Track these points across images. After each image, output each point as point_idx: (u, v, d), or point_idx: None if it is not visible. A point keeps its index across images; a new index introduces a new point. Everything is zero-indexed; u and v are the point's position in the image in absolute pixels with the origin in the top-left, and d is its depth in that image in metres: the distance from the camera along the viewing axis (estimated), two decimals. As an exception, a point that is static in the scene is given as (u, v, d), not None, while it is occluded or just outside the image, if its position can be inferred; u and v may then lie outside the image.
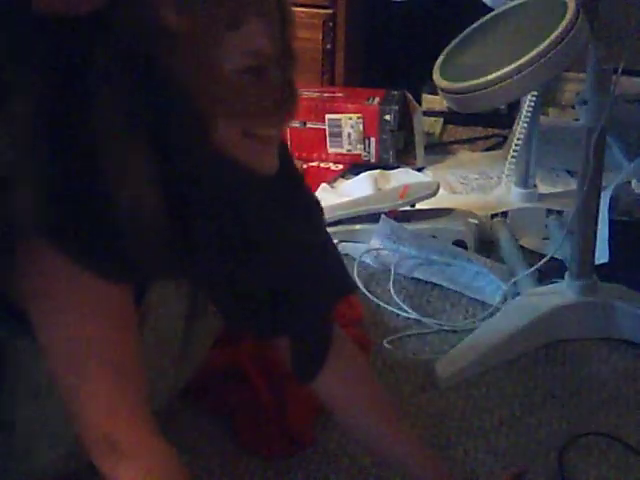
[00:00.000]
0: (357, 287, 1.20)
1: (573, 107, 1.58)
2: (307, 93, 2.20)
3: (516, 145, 1.89)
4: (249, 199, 1.02)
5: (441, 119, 2.36)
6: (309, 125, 2.16)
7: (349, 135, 2.15)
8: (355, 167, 2.16)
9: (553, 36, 1.31)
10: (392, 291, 1.73)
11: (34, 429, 1.09)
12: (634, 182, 1.88)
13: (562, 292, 1.59)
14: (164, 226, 0.93)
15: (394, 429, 1.21)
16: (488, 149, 2.29)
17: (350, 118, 2.14)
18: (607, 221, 1.71)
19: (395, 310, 1.68)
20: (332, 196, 2.05)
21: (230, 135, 0.97)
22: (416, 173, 2.14)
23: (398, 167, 2.16)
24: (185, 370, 1.23)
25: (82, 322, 0.96)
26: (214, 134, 0.96)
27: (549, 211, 1.89)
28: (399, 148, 2.17)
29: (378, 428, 1.20)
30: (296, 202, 1.11)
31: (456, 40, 1.48)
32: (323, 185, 2.08)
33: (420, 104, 2.27)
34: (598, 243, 1.58)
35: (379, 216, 1.85)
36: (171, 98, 0.93)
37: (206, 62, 0.93)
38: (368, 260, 1.82)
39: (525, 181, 1.92)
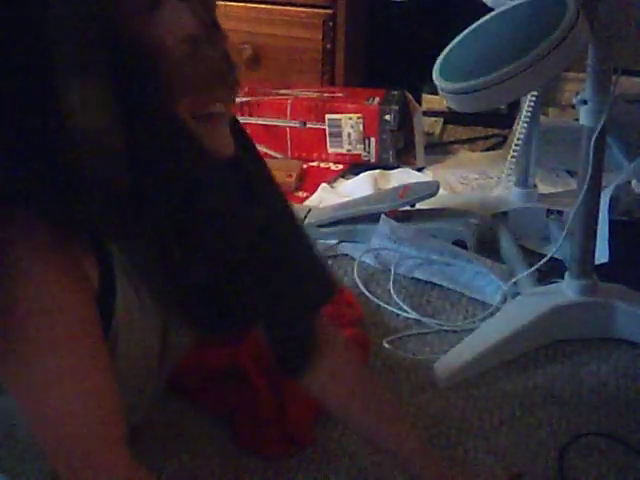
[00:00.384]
0: (338, 282, 1.16)
1: (573, 107, 1.57)
2: (307, 93, 2.20)
3: (516, 145, 1.89)
4: (213, 178, 0.99)
5: (441, 119, 2.36)
6: (309, 125, 2.16)
7: (349, 135, 2.15)
8: (355, 167, 2.16)
9: (553, 36, 1.31)
10: (392, 291, 1.73)
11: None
12: (634, 182, 1.88)
13: (562, 292, 1.59)
14: (121, 167, 0.89)
15: (393, 426, 1.21)
16: (488, 149, 2.29)
17: (350, 118, 2.14)
18: (607, 221, 1.71)
19: (395, 310, 1.68)
20: (332, 196, 2.05)
21: (183, 117, 0.96)
22: (416, 173, 2.14)
23: (398, 167, 2.16)
24: (161, 383, 1.21)
25: (47, 351, 0.92)
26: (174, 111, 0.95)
27: (549, 211, 1.89)
28: (399, 148, 2.17)
29: (377, 425, 1.20)
30: (258, 186, 1.08)
31: (456, 40, 1.48)
32: (323, 185, 2.09)
33: (420, 104, 2.28)
34: (598, 243, 1.58)
35: (379, 216, 1.85)
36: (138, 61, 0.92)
37: (147, 41, 0.92)
38: (368, 260, 1.82)
39: (525, 181, 1.92)
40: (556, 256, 1.67)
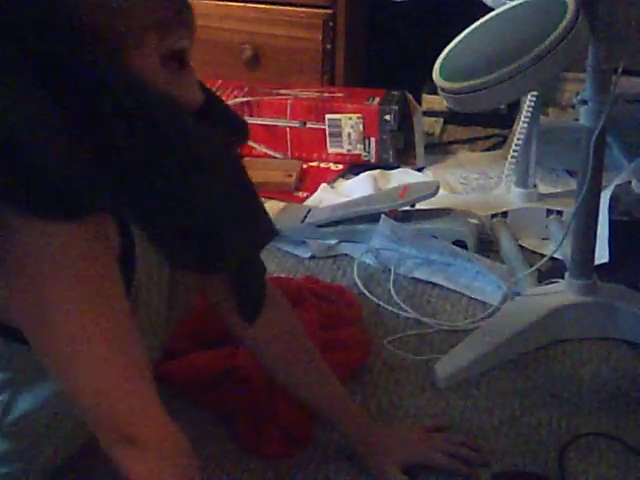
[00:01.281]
0: (279, 233, 1.22)
1: (573, 107, 1.58)
2: (307, 93, 2.20)
3: (516, 145, 1.89)
4: (177, 125, 0.99)
5: (441, 119, 2.36)
6: (309, 125, 2.16)
7: (349, 135, 2.15)
8: (355, 167, 2.16)
9: (553, 36, 1.31)
10: (392, 291, 1.73)
11: (41, 433, 1.10)
12: (634, 182, 1.88)
13: (562, 292, 1.59)
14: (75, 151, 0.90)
15: (327, 387, 1.29)
16: (488, 149, 2.29)
17: (350, 118, 2.14)
18: (607, 221, 1.71)
19: (395, 310, 1.68)
20: (332, 196, 2.05)
21: (150, 68, 0.98)
22: (416, 173, 2.14)
23: (398, 167, 2.16)
24: (168, 336, 1.23)
25: (78, 314, 0.94)
26: (133, 69, 0.97)
27: (549, 211, 1.89)
28: (399, 148, 2.17)
29: (311, 384, 1.28)
30: (224, 125, 1.10)
31: (456, 40, 1.47)
32: (323, 185, 2.09)
33: (420, 104, 2.27)
34: (598, 243, 1.58)
35: (379, 216, 1.85)
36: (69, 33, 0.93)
37: None
38: (368, 260, 1.82)
39: (525, 181, 1.92)
40: (556, 256, 1.67)
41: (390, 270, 1.78)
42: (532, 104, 1.83)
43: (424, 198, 1.88)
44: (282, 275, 1.75)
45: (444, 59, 1.45)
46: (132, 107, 0.94)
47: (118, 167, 0.94)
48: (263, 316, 1.24)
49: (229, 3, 2.31)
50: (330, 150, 2.18)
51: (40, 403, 1.07)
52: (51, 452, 1.13)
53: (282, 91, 2.21)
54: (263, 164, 2.11)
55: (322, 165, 2.18)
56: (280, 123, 2.17)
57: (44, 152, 0.89)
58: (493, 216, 1.90)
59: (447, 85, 1.39)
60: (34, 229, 0.91)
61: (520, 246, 1.83)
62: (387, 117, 2.12)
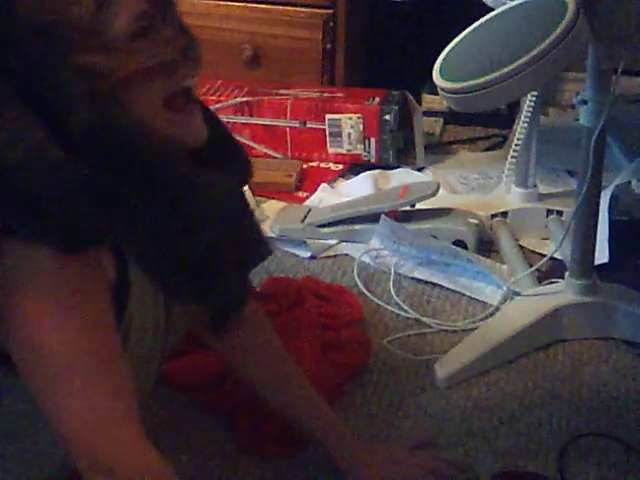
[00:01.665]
0: (273, 252, 1.23)
1: (573, 107, 1.58)
2: (307, 93, 2.20)
3: (516, 145, 1.89)
4: (182, 161, 1.01)
5: (441, 119, 2.36)
6: (309, 125, 2.16)
7: (349, 135, 2.15)
8: (355, 167, 2.16)
9: (553, 36, 1.31)
10: (392, 291, 1.73)
11: (46, 437, 1.10)
12: (634, 182, 1.88)
13: (562, 292, 1.59)
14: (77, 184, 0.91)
15: (308, 401, 1.29)
16: (488, 149, 2.29)
17: (350, 118, 2.14)
18: (607, 221, 1.71)
19: (395, 310, 1.68)
20: (332, 196, 2.05)
21: (152, 109, 0.98)
22: (416, 173, 2.14)
23: (398, 167, 2.16)
24: (164, 361, 1.22)
25: (65, 342, 0.94)
26: (133, 110, 0.96)
27: (549, 211, 1.89)
28: (399, 148, 2.17)
29: (293, 403, 1.28)
30: (227, 165, 1.10)
31: (456, 40, 1.47)
32: (323, 185, 2.09)
33: (420, 104, 2.27)
34: (598, 243, 1.58)
35: (379, 216, 1.85)
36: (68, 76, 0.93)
37: (92, 33, 0.94)
38: (368, 260, 1.82)
39: (525, 181, 1.92)
40: (556, 256, 1.67)
41: (390, 270, 1.78)
42: (532, 104, 1.83)
43: (424, 198, 1.88)
44: (282, 275, 1.75)
45: (444, 59, 1.45)
46: (127, 151, 0.95)
47: (115, 204, 0.95)
48: (241, 328, 1.24)
49: (229, 3, 2.31)
50: (330, 150, 2.17)
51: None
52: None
53: (282, 91, 2.21)
54: (263, 164, 2.11)
55: (322, 165, 2.18)
56: (280, 123, 2.17)
57: (48, 184, 0.89)
58: (493, 216, 1.90)
59: (447, 85, 1.39)
60: (30, 254, 0.92)
61: (520, 246, 1.83)
62: (387, 117, 2.12)
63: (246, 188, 1.93)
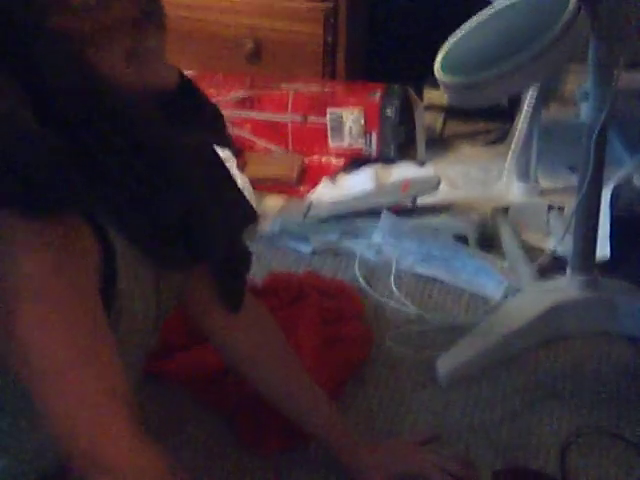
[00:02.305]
0: (259, 216, 1.23)
1: (575, 102, 1.58)
2: (308, 87, 2.19)
3: (517, 140, 1.89)
4: (149, 120, 1.01)
5: (442, 114, 2.35)
6: (310, 120, 2.16)
7: (350, 129, 2.15)
8: (356, 161, 2.16)
9: (554, 31, 1.31)
10: (393, 286, 1.72)
11: (44, 432, 1.10)
12: (635, 177, 1.88)
13: (563, 288, 1.59)
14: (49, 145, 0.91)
15: (310, 397, 1.28)
16: (489, 144, 2.28)
17: (351, 112, 2.13)
18: (608, 217, 1.71)
19: (396, 305, 1.68)
20: (333, 191, 2.04)
21: (114, 63, 0.99)
22: (417, 168, 2.13)
23: (399, 161, 2.15)
24: (156, 339, 1.21)
25: (53, 330, 0.94)
26: (98, 69, 0.97)
27: (550, 206, 1.89)
28: (400, 143, 2.16)
29: (294, 397, 1.28)
30: (201, 122, 1.11)
31: (457, 34, 1.47)
32: (324, 180, 2.08)
33: (421, 99, 2.27)
34: (599, 239, 1.58)
35: (380, 211, 1.84)
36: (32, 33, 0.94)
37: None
38: (369, 255, 1.82)
39: (526, 176, 1.91)
40: (557, 251, 1.67)
41: (391, 265, 1.77)
42: (533, 99, 1.82)
43: (425, 193, 1.88)
44: (283, 270, 1.75)
45: (445, 53, 1.44)
46: (96, 109, 0.95)
47: (90, 167, 0.94)
48: (242, 321, 1.23)
49: (230, -3, 2.30)
50: (331, 144, 2.17)
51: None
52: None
53: (283, 85, 2.20)
54: (264, 159, 2.11)
55: (323, 160, 2.18)
56: (281, 117, 2.17)
57: (17, 146, 0.89)
58: (494, 211, 1.90)
59: (448, 80, 1.39)
60: (11, 229, 0.92)
61: (521, 241, 1.83)
62: (388, 111, 2.11)
63: (246, 182, 1.95)
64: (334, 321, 1.57)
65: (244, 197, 1.19)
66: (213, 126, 1.13)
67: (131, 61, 1.00)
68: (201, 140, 1.08)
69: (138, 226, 1.00)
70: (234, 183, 1.17)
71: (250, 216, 1.19)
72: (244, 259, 1.23)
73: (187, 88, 1.10)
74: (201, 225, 1.06)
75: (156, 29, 1.03)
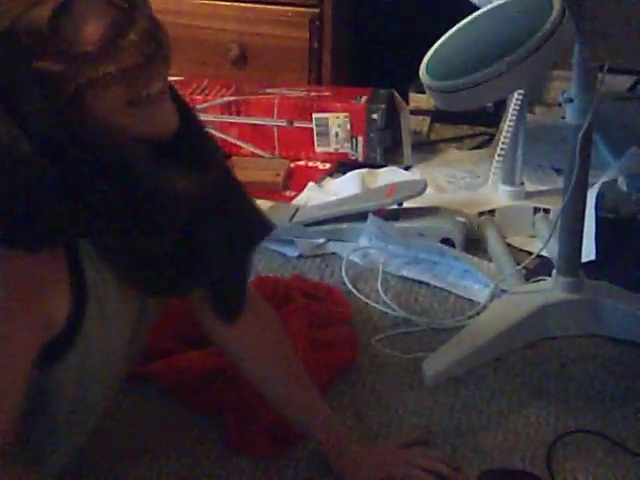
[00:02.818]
0: (274, 229, 1.24)
1: (559, 105, 1.58)
2: (294, 92, 2.20)
3: (503, 143, 1.90)
4: (144, 160, 1.00)
5: (428, 118, 2.36)
6: (296, 124, 2.16)
7: (336, 134, 2.15)
8: (342, 166, 2.17)
9: (539, 34, 1.31)
10: (380, 289, 1.73)
11: (44, 440, 1.10)
12: (620, 179, 1.88)
13: (549, 290, 1.59)
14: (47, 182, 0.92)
15: (304, 394, 1.30)
16: (475, 147, 2.29)
17: (337, 117, 2.14)
18: (594, 219, 1.72)
19: (383, 308, 1.68)
20: (320, 195, 2.05)
21: (114, 109, 0.96)
22: (403, 172, 2.14)
23: (385, 166, 2.16)
24: (142, 339, 1.22)
25: None
26: (94, 111, 0.95)
27: (536, 209, 1.89)
28: (386, 147, 2.17)
29: (289, 391, 1.29)
30: (200, 151, 1.09)
31: (443, 38, 1.48)
32: (310, 184, 2.08)
33: (407, 103, 2.27)
34: (585, 241, 1.58)
35: (367, 215, 1.85)
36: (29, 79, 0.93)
37: (51, 40, 0.93)
38: (356, 259, 1.82)
39: (512, 179, 1.92)
40: (543, 254, 1.68)
41: (378, 269, 1.78)
42: (519, 102, 1.83)
43: (411, 197, 1.88)
44: (270, 274, 1.75)
45: (431, 57, 1.45)
46: (90, 149, 0.95)
47: (78, 200, 0.95)
48: (243, 320, 1.24)
49: (215, 2, 2.31)
50: (317, 149, 2.18)
51: None
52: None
53: (269, 90, 2.21)
54: (250, 163, 2.11)
55: (310, 164, 2.18)
56: (267, 122, 2.17)
57: (14, 177, 0.90)
58: (480, 214, 1.91)
59: (434, 83, 1.39)
60: None
61: (507, 244, 1.84)
62: (374, 116, 2.12)
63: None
64: (321, 325, 1.58)
65: (258, 213, 1.19)
66: (211, 164, 1.11)
67: (132, 107, 0.98)
68: (197, 181, 1.06)
69: (123, 259, 1.02)
70: (247, 203, 1.18)
71: (263, 231, 1.20)
72: (245, 275, 1.23)
73: (185, 126, 1.06)
74: (197, 257, 1.06)
75: (160, 71, 1.00)
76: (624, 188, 1.88)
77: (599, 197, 1.78)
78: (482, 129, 2.34)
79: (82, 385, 1.08)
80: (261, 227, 1.21)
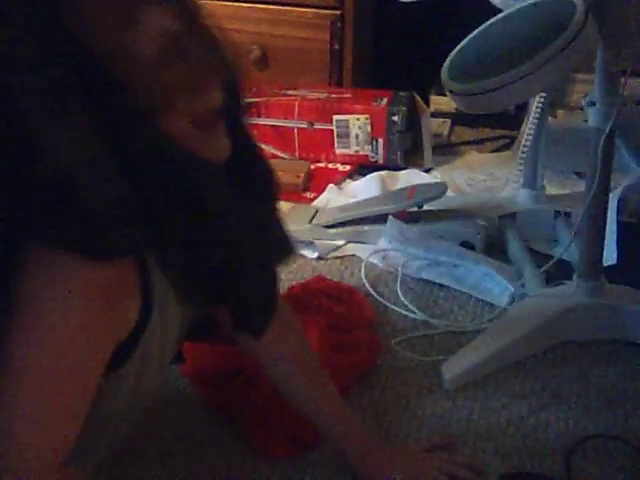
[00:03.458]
0: (297, 251, 1.23)
1: (581, 109, 1.58)
2: (315, 94, 2.20)
3: (524, 146, 1.89)
4: (206, 182, 1.00)
5: (449, 120, 2.36)
6: (316, 126, 2.16)
7: (357, 136, 2.15)
8: (363, 168, 2.16)
9: (562, 37, 1.31)
10: (399, 292, 1.72)
11: (92, 431, 1.11)
12: (642, 183, 1.88)
13: (570, 294, 1.59)
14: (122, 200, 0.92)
15: (329, 403, 1.30)
16: (496, 150, 2.28)
17: (358, 119, 2.14)
18: (615, 223, 1.71)
19: (402, 311, 1.68)
20: (339, 197, 2.05)
21: (179, 128, 0.96)
22: (424, 174, 2.14)
23: (406, 168, 2.16)
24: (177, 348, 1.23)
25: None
26: (161, 124, 0.95)
27: (557, 212, 1.89)
28: (407, 149, 2.17)
29: (314, 399, 1.29)
30: (250, 173, 1.10)
31: (464, 41, 1.47)
32: (330, 186, 2.09)
33: (428, 105, 2.27)
34: (606, 245, 1.57)
35: (387, 217, 1.85)
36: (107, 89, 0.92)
37: (123, 51, 0.92)
38: (375, 261, 1.82)
39: (533, 183, 1.91)
40: (564, 258, 1.67)
41: (397, 271, 1.78)
42: (540, 105, 1.82)
43: (432, 199, 1.88)
44: (289, 275, 1.75)
45: (452, 60, 1.45)
46: (165, 169, 0.95)
47: (150, 218, 0.95)
48: (271, 332, 1.23)
49: (236, 4, 2.31)
50: (338, 151, 2.18)
51: None
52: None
53: (290, 92, 2.21)
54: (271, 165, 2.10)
55: (330, 166, 2.18)
56: (288, 124, 2.18)
57: (96, 194, 0.90)
58: (501, 217, 1.90)
59: (455, 86, 1.39)
60: (56, 263, 0.93)
61: (528, 248, 1.83)
62: (395, 118, 2.12)
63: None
64: (342, 327, 1.57)
65: (284, 233, 1.19)
66: (265, 188, 1.14)
67: (195, 128, 0.97)
68: (256, 205, 1.07)
69: (182, 272, 1.01)
70: (277, 220, 1.18)
71: (287, 252, 1.20)
72: (275, 292, 1.21)
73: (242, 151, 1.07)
74: (238, 272, 1.06)
75: (219, 85, 0.99)
76: (646, 192, 1.87)
77: (621, 201, 1.77)
78: (503, 132, 2.34)
79: (140, 381, 1.09)
80: (288, 247, 1.20)
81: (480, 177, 2.12)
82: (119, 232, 0.92)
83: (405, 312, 1.67)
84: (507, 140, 2.30)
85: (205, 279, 1.03)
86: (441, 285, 1.75)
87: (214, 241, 1.00)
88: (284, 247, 1.19)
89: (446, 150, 2.27)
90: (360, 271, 1.78)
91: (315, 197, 2.06)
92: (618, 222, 1.71)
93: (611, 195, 1.57)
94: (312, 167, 2.16)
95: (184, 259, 0.99)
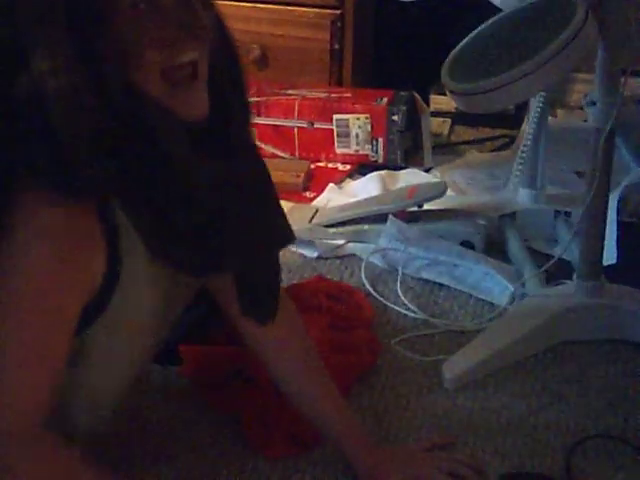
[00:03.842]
0: (295, 239, 1.24)
1: (581, 108, 1.58)
2: (315, 93, 2.20)
3: (524, 146, 1.89)
4: (183, 142, 1.03)
5: (449, 120, 2.36)
6: (317, 125, 2.16)
7: (357, 135, 2.15)
8: (363, 167, 2.16)
9: (562, 37, 1.31)
10: (399, 291, 1.72)
11: (69, 396, 1.11)
12: (642, 183, 1.88)
13: (570, 294, 1.59)
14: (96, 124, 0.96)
15: (330, 402, 1.30)
16: (496, 150, 2.28)
17: (358, 118, 2.14)
18: (615, 222, 1.71)
19: (402, 310, 1.68)
20: (339, 196, 2.05)
21: (150, 81, 1.00)
22: (424, 174, 2.13)
23: (406, 168, 2.15)
24: (168, 324, 1.23)
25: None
26: (131, 77, 0.99)
27: (557, 212, 1.89)
28: (407, 149, 2.17)
29: (315, 396, 1.29)
30: (230, 140, 1.11)
31: (464, 41, 1.47)
32: (330, 185, 2.09)
33: (428, 105, 2.27)
34: (606, 244, 1.58)
35: (387, 216, 1.85)
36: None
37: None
38: (375, 260, 1.82)
39: (533, 182, 1.91)
40: (564, 257, 1.67)
41: (397, 270, 1.77)
42: (540, 105, 1.82)
43: (432, 199, 1.88)
44: (289, 275, 1.75)
45: (452, 60, 1.45)
46: (130, 121, 0.98)
47: (121, 162, 0.98)
48: (276, 329, 1.24)
49: (237, 3, 2.31)
50: (338, 150, 2.18)
51: None
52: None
53: (290, 91, 2.21)
54: (271, 164, 2.07)
55: (330, 165, 2.18)
56: (288, 123, 2.17)
57: (75, 123, 0.94)
58: (501, 217, 1.90)
59: (455, 86, 1.39)
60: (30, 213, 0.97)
61: (528, 247, 1.83)
62: (395, 118, 2.12)
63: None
64: (343, 327, 1.57)
65: (285, 221, 1.21)
66: (240, 153, 1.14)
67: (167, 83, 1.00)
68: (226, 170, 1.08)
69: (152, 229, 1.04)
70: (276, 207, 1.20)
71: (285, 239, 1.21)
72: (277, 275, 1.23)
73: (217, 118, 1.08)
74: (221, 238, 1.07)
75: (194, 43, 1.02)
76: (646, 192, 1.87)
77: (621, 201, 1.77)
78: (503, 131, 2.33)
79: (112, 349, 1.11)
80: (287, 234, 1.21)
81: (480, 176, 2.12)
82: (89, 166, 0.95)
83: (405, 312, 1.67)
84: (507, 140, 2.30)
85: (175, 235, 1.04)
86: (441, 284, 1.75)
87: (180, 196, 1.02)
88: (283, 230, 1.20)
89: (446, 150, 2.27)
90: (360, 271, 1.78)
91: (315, 197, 2.06)
92: (618, 222, 1.72)
93: (611, 195, 1.58)
94: (312, 167, 2.16)
95: (151, 211, 1.02)
